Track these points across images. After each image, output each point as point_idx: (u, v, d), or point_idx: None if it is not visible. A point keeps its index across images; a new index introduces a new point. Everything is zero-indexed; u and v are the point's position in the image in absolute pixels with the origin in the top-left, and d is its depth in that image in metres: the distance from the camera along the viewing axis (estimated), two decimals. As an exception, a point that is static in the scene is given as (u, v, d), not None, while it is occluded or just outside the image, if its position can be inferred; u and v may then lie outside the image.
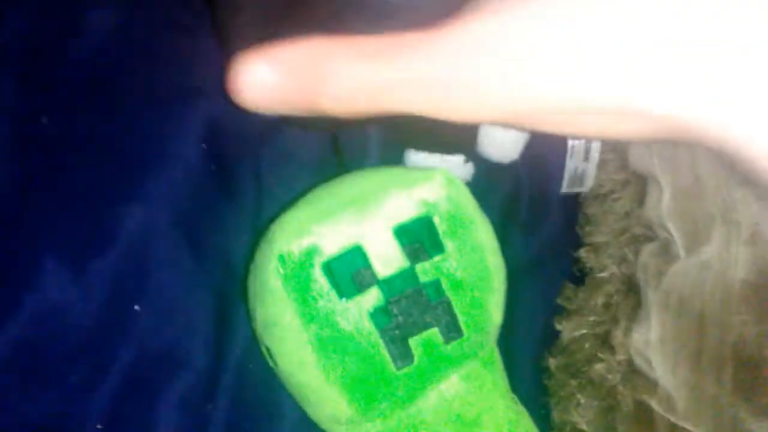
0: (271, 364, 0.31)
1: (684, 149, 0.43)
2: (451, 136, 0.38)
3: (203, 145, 0.37)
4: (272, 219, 0.33)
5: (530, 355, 0.43)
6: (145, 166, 0.35)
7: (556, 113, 0.19)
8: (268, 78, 0.20)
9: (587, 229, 0.47)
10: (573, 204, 0.47)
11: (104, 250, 0.33)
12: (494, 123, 0.20)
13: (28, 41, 0.36)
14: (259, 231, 0.37)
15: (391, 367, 0.28)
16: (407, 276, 0.28)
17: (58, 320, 0.31)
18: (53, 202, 0.33)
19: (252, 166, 0.39)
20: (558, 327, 0.45)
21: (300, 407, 0.31)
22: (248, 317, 0.32)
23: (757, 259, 0.38)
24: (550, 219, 0.46)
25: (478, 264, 0.29)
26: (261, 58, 0.20)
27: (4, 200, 0.33)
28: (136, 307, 0.33)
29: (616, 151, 0.47)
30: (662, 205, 0.43)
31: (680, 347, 0.41)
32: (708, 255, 0.40)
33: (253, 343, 0.32)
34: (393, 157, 0.41)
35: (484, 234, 0.30)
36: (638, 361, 0.42)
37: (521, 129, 0.21)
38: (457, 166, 0.39)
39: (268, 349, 0.30)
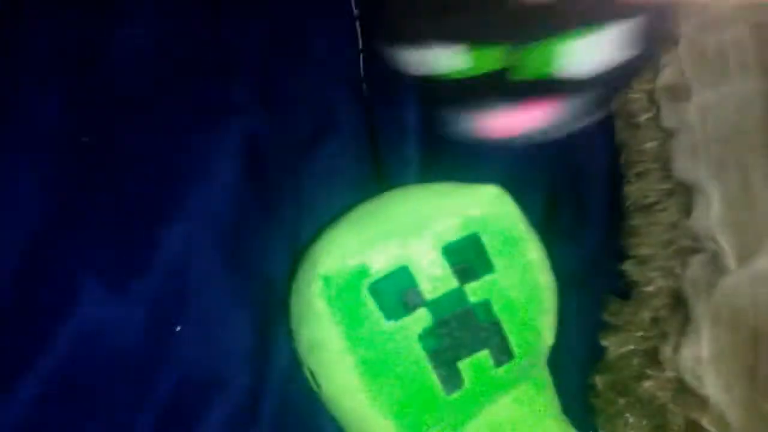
0: (314, 387, 0.30)
1: (734, 155, 0.41)
2: None
3: (240, 161, 0.37)
4: (313, 236, 0.32)
5: (575, 372, 0.42)
6: (184, 184, 0.35)
7: None
8: None
9: (632, 241, 0.46)
10: (615, 213, 0.46)
11: (145, 270, 0.32)
12: None
13: (68, 60, 0.36)
14: (299, 247, 0.36)
15: (440, 391, 0.27)
16: (456, 297, 0.27)
17: (100, 342, 0.31)
18: (93, 222, 0.33)
19: (292, 181, 0.39)
20: (604, 343, 0.43)
21: None
22: (291, 338, 0.32)
23: (815, 273, 0.37)
24: (592, 225, 0.45)
25: (528, 283, 0.29)
26: None
27: (44, 222, 0.33)
28: (178, 328, 0.32)
29: (659, 160, 0.46)
30: (711, 215, 0.41)
31: (734, 364, 0.39)
32: (761, 267, 0.39)
33: (296, 364, 0.32)
34: (433, 172, 0.40)
35: (534, 251, 0.29)
36: (688, 378, 0.41)
37: None
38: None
39: (311, 372, 0.29)
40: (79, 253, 0.32)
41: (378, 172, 0.40)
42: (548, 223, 0.42)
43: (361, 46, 0.43)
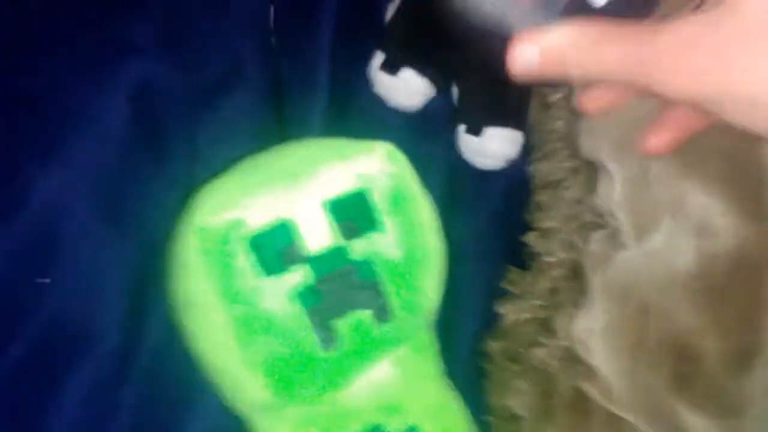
0: (189, 345, 0.29)
1: (634, 138, 0.42)
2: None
3: (131, 106, 0.34)
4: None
5: (470, 337, 0.42)
6: (65, 126, 0.33)
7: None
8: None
9: (536, 215, 0.46)
10: (517, 185, 0.46)
11: (12, 215, 0.30)
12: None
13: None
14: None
15: (317, 349, 0.26)
16: (339, 254, 0.26)
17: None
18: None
19: (187, 130, 0.36)
20: (500, 310, 0.44)
21: (219, 393, 0.29)
22: (168, 295, 0.30)
23: (702, 251, 0.38)
24: (495, 195, 0.45)
25: (416, 244, 0.28)
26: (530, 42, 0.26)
27: None
28: (47, 280, 0.30)
29: (565, 139, 0.46)
30: (613, 194, 0.42)
31: (622, 336, 0.41)
32: (655, 244, 0.40)
33: (173, 324, 0.30)
34: (337, 129, 0.39)
35: (425, 213, 0.29)
36: (579, 348, 0.42)
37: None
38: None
39: (187, 330, 0.28)
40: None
41: (280, 129, 0.38)
42: (450, 193, 0.42)
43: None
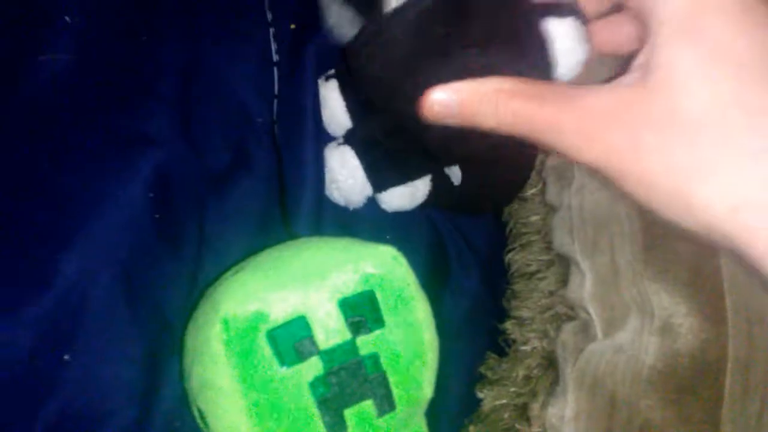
0: (201, 425, 0.31)
1: (605, 238, 0.45)
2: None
3: (150, 194, 0.37)
4: (217, 276, 0.33)
5: (452, 420, 0.44)
6: (86, 212, 0.35)
7: None
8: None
9: (513, 303, 0.49)
10: (497, 272, 0.49)
11: (38, 295, 0.32)
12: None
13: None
14: (198, 285, 0.37)
15: (325, 437, 0.29)
16: (348, 348, 0.29)
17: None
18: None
19: (198, 218, 0.39)
20: (480, 395, 0.46)
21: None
22: (181, 374, 0.32)
23: (665, 349, 0.41)
24: (475, 280, 0.48)
25: (415, 340, 0.31)
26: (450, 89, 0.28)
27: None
28: (66, 356, 0.32)
29: (541, 232, 0.50)
30: (584, 290, 0.45)
31: (591, 425, 0.42)
32: (622, 340, 0.43)
33: (184, 401, 0.32)
34: (338, 220, 0.42)
35: (422, 311, 0.32)
36: (552, 435, 0.44)
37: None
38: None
39: (200, 411, 0.30)
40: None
41: (284, 217, 0.41)
42: (432, 277, 0.45)
43: (276, 92, 0.44)
